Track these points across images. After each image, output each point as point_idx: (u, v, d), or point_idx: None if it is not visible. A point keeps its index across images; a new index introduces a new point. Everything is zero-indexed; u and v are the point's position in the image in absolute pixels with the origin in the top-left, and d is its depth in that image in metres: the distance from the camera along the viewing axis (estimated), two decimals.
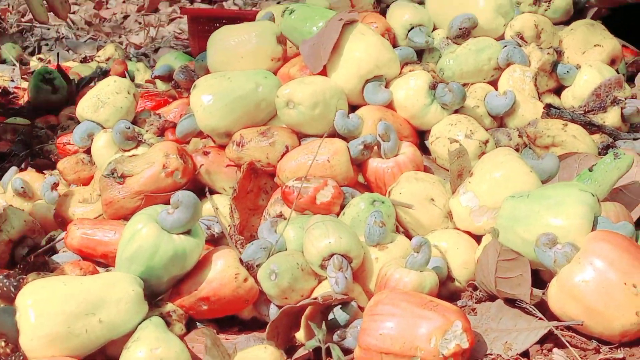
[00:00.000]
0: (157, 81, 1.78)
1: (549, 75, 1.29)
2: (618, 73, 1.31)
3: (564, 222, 1.01)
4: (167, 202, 1.09)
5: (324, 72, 1.27)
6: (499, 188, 1.09)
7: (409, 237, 1.14)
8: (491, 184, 1.10)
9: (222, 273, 1.09)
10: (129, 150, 1.38)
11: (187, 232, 1.08)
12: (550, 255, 0.98)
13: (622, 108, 1.19)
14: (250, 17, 1.61)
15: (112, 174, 1.28)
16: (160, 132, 1.44)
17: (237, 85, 1.29)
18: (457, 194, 1.13)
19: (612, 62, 1.34)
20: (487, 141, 1.20)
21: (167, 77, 1.68)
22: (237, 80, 1.29)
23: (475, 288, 1.11)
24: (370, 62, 1.23)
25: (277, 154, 1.26)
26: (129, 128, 1.36)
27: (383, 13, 1.37)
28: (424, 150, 1.28)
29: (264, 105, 1.29)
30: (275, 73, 1.34)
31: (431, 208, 1.18)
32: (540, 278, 1.10)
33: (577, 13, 1.44)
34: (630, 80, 1.39)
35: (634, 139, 1.17)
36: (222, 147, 1.34)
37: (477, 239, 1.16)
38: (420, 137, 1.29)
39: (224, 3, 3.36)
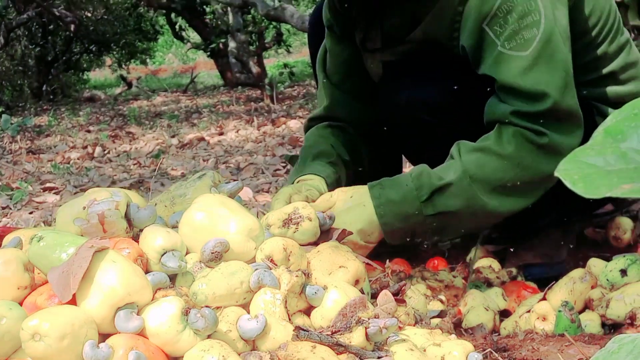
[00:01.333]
0: None
1: (298, 296, 1.34)
2: (362, 293, 1.39)
3: None
4: None
5: (73, 301, 1.24)
6: None
7: None
8: None
9: None
10: None
11: None
12: None
13: (366, 328, 1.26)
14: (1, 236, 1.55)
15: None
16: None
17: None
18: None
19: (357, 282, 1.42)
20: None
21: None
22: None
23: None
24: (121, 289, 1.22)
25: None
26: None
27: (136, 238, 1.38)
28: None
29: (7, 339, 1.21)
30: (21, 302, 1.29)
31: None
32: None
33: (323, 234, 1.55)
34: (374, 297, 1.48)
35: (378, 357, 1.23)
36: None
37: None
38: None
39: None
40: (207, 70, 17.77)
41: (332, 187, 1.97)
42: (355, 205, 1.76)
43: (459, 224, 1.78)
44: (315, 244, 1.50)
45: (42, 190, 4.12)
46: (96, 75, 18.52)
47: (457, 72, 1.88)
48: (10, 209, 3.60)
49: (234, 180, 1.59)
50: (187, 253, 1.38)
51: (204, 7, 12.34)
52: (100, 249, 1.22)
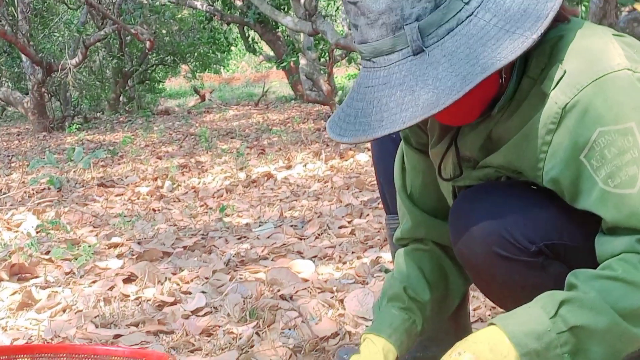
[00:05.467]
0: None
1: None
2: None
3: None
4: None
5: None
6: None
7: None
8: None
9: None
10: None
11: None
12: None
13: None
14: None
15: None
16: None
17: None
18: None
19: None
20: None
21: None
22: None
23: None
24: None
25: None
26: None
27: None
28: None
29: None
30: None
31: None
32: None
33: None
34: None
35: None
36: None
37: None
38: None
39: None
40: (279, 80, 17.84)
41: (401, 336, 1.84)
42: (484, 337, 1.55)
43: (598, 344, 1.54)
44: None
45: (107, 248, 4.13)
46: (171, 84, 18.79)
47: (543, 202, 1.69)
48: (74, 274, 3.61)
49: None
50: None
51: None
52: None
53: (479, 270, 1.76)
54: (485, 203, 1.71)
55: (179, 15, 13.65)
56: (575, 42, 1.58)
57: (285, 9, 12.30)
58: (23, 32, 11.79)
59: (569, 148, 1.57)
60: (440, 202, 1.95)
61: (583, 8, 5.96)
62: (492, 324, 1.56)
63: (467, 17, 1.52)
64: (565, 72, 1.56)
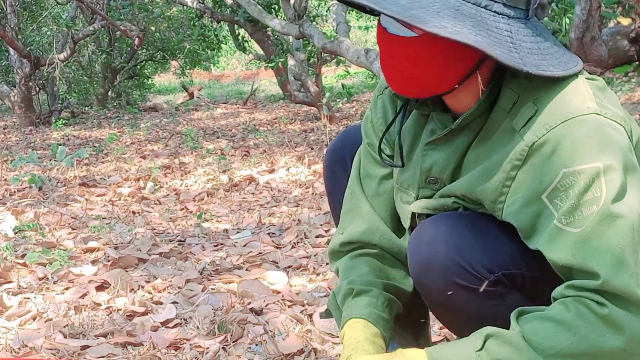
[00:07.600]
0: None
1: None
2: None
3: None
4: None
5: None
6: None
7: None
8: None
9: None
10: None
11: None
12: None
13: None
14: None
15: None
16: None
17: None
18: None
19: None
20: None
21: None
22: None
23: None
24: None
25: None
26: None
27: None
28: None
29: None
30: None
31: None
32: None
33: None
34: None
35: None
36: None
37: None
38: None
39: None
40: (269, 78, 17.81)
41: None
42: None
43: None
44: None
45: (83, 253, 4.13)
46: (160, 79, 18.71)
47: (502, 232, 1.71)
48: (48, 280, 3.60)
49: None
50: None
51: None
52: None
53: (438, 299, 1.76)
54: (444, 233, 1.71)
55: (168, 13, 13.61)
56: (549, 82, 1.60)
57: (276, 9, 12.30)
58: (11, 26, 11.75)
59: (532, 186, 1.58)
60: (393, 217, 1.94)
61: (567, 20, 5.98)
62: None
63: (495, 12, 1.55)
64: (536, 111, 1.59)
